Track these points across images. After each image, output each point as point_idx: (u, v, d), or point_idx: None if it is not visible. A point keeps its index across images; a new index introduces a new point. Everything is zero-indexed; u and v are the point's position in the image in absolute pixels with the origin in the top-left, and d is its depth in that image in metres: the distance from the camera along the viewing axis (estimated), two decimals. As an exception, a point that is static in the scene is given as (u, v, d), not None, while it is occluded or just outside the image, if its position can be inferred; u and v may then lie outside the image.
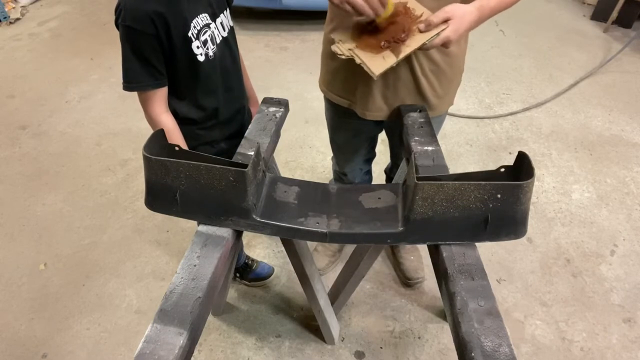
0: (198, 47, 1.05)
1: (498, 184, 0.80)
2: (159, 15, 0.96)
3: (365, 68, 0.96)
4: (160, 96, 1.07)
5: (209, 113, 1.18)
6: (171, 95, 1.11)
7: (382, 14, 0.94)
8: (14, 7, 3.78)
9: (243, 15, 3.69)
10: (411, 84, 1.17)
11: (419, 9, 0.96)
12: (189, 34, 1.02)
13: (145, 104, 1.07)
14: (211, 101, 1.16)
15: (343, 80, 1.24)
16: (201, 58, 1.06)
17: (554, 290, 1.71)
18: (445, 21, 0.92)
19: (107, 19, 3.65)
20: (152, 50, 1.00)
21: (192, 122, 1.17)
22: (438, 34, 0.91)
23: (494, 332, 0.73)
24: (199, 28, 1.04)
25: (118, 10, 0.97)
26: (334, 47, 1.00)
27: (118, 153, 2.36)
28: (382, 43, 0.96)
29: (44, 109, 2.70)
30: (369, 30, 1.00)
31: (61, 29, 3.59)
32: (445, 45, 0.94)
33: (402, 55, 0.94)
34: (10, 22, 3.65)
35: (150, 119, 1.09)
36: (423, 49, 0.94)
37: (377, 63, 0.95)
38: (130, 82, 1.03)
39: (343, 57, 0.99)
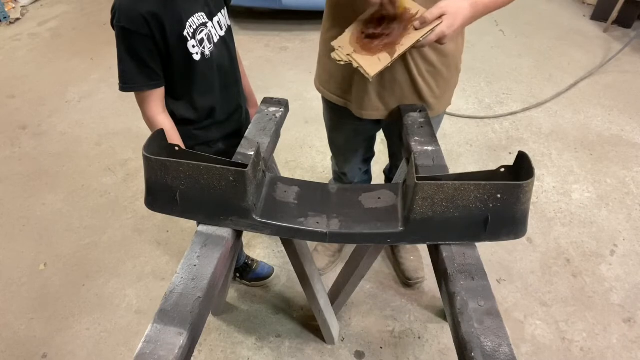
0: (194, 47, 1.05)
1: (498, 184, 0.80)
2: (154, 16, 0.96)
3: (362, 71, 0.96)
4: (157, 97, 1.07)
5: (206, 112, 1.18)
6: (168, 95, 1.11)
7: (392, 12, 0.95)
8: (14, 7, 3.78)
9: (243, 15, 3.69)
10: (408, 84, 1.17)
11: (414, 8, 0.96)
12: (185, 33, 1.02)
13: (142, 105, 1.07)
14: (207, 100, 1.16)
15: (339, 79, 1.24)
16: (197, 57, 1.06)
17: (554, 290, 1.71)
18: (439, 17, 0.91)
19: (107, 19, 3.62)
20: (148, 51, 1.00)
21: (189, 122, 1.17)
22: (432, 29, 0.91)
23: (494, 332, 0.73)
24: (195, 27, 1.04)
25: (113, 11, 0.97)
26: (333, 55, 1.01)
27: (118, 153, 2.36)
28: (375, 43, 0.97)
29: (44, 109, 2.70)
30: (367, 35, 1.00)
31: (61, 29, 3.59)
32: (439, 41, 0.94)
33: (396, 55, 0.94)
34: (10, 22, 3.65)
35: (148, 120, 1.09)
36: (417, 46, 0.94)
37: (372, 64, 0.96)
38: (126, 83, 1.03)
39: (342, 63, 1.00)
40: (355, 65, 0.97)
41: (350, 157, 1.55)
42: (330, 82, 1.28)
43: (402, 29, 0.96)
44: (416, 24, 0.93)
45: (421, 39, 0.92)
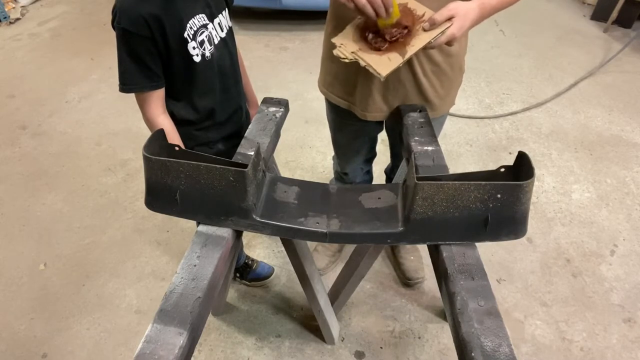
0: (194, 48, 1.05)
1: (498, 184, 0.80)
2: (154, 18, 0.96)
3: (371, 70, 0.94)
4: (157, 98, 1.07)
5: (205, 114, 1.18)
6: (168, 96, 1.11)
7: (387, 20, 0.93)
8: (14, 7, 3.78)
9: (243, 15, 3.69)
10: (412, 85, 1.17)
11: (420, 9, 0.96)
12: (185, 34, 1.02)
13: (142, 106, 1.07)
14: (207, 102, 1.16)
15: (343, 81, 1.24)
16: (197, 59, 1.06)
17: (554, 290, 1.71)
18: (449, 19, 0.91)
19: (107, 19, 3.62)
20: (148, 52, 1.00)
21: (189, 123, 1.18)
22: (443, 32, 0.91)
23: (494, 332, 0.73)
24: (195, 29, 1.04)
25: (114, 13, 0.97)
26: (336, 52, 0.98)
27: (118, 153, 2.36)
28: (385, 46, 0.95)
29: (44, 109, 2.70)
30: (371, 32, 0.99)
31: (61, 29, 3.58)
32: (449, 43, 0.93)
33: (407, 55, 0.93)
34: (10, 22, 3.65)
35: (148, 121, 1.09)
36: (428, 48, 0.93)
37: (383, 64, 0.93)
38: (126, 84, 1.03)
39: (346, 60, 0.97)
40: (362, 63, 0.95)
41: (353, 158, 1.55)
42: (334, 84, 1.28)
43: (408, 31, 0.95)
44: (425, 25, 0.92)
45: (432, 41, 0.91)
